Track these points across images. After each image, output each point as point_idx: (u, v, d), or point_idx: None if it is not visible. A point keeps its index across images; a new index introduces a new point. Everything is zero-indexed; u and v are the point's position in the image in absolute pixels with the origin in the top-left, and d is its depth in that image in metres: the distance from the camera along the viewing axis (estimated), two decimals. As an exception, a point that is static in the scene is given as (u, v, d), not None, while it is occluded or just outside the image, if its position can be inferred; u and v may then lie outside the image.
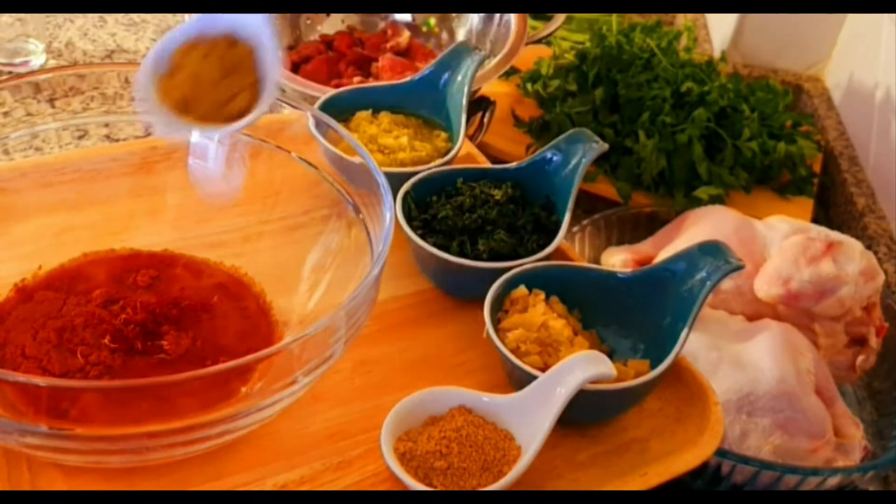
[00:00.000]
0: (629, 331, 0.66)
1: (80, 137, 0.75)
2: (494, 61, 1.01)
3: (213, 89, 0.58)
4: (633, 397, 0.62)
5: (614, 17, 1.15)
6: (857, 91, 1.19)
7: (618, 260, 0.91)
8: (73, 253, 0.67)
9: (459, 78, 0.82)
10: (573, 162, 0.73)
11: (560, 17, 1.13)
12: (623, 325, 0.66)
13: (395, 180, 0.68)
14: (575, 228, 0.92)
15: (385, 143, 0.78)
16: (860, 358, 0.84)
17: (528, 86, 1.13)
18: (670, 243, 0.89)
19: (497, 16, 1.10)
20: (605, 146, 0.73)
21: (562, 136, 0.74)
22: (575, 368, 0.57)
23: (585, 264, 0.71)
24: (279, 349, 0.54)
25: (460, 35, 1.15)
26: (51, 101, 0.68)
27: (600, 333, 0.66)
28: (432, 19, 1.17)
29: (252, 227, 0.71)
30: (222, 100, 0.59)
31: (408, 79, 0.84)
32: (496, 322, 0.64)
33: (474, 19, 1.13)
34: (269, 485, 0.57)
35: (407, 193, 0.72)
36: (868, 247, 0.92)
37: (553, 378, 0.58)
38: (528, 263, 0.67)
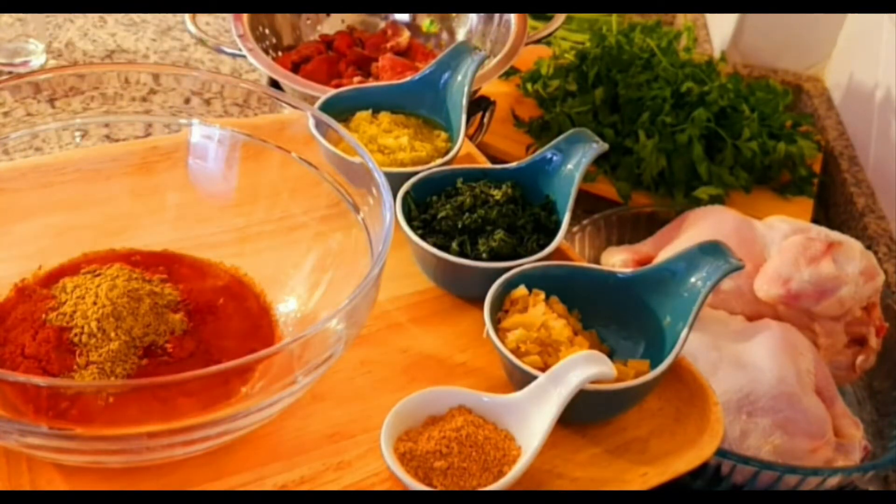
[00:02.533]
0: (629, 331, 0.66)
1: (81, 137, 0.75)
2: (494, 61, 1.01)
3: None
4: (633, 397, 0.62)
5: (614, 17, 1.15)
6: (857, 91, 1.18)
7: (618, 260, 0.91)
8: (73, 253, 0.67)
9: (459, 78, 0.82)
10: (573, 162, 0.73)
11: (560, 17, 1.13)
12: (623, 325, 0.66)
13: (395, 180, 0.68)
14: (575, 228, 0.92)
15: (385, 143, 0.78)
16: (860, 358, 0.84)
17: (528, 86, 1.13)
18: (670, 243, 0.89)
19: (497, 16, 1.10)
20: (605, 146, 0.73)
21: (562, 136, 0.74)
22: (575, 368, 0.57)
23: (585, 264, 0.70)
24: (279, 349, 0.54)
25: (460, 35, 1.15)
26: (51, 101, 0.68)
27: (600, 333, 0.66)
28: (432, 19, 1.17)
29: (252, 227, 0.71)
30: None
31: (408, 79, 0.84)
32: (496, 322, 0.64)
33: (474, 19, 1.13)
34: (269, 485, 0.57)
35: (407, 193, 0.72)
36: (868, 247, 0.92)
37: (553, 378, 0.58)
38: (528, 263, 0.67)
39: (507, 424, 0.58)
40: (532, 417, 0.57)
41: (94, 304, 0.61)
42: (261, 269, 0.68)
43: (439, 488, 0.55)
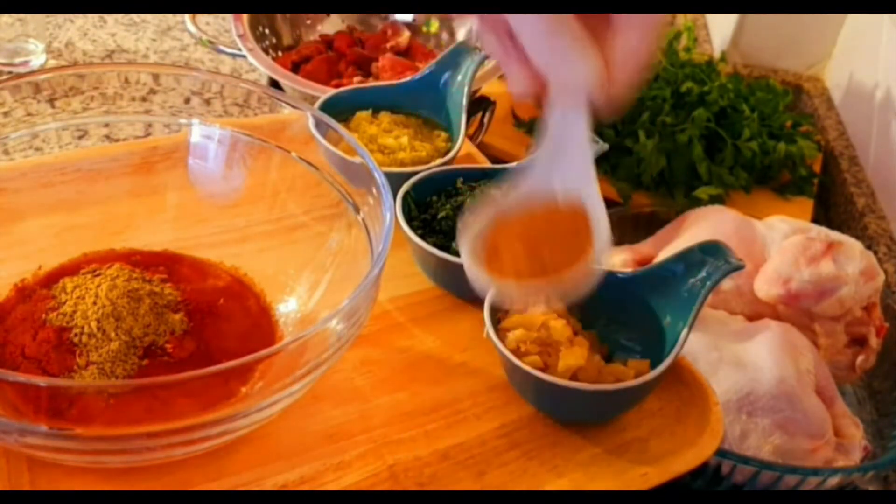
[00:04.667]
0: (629, 331, 0.66)
1: (80, 137, 0.75)
2: (494, 61, 1.01)
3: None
4: (633, 397, 0.62)
5: (614, 17, 1.15)
6: (857, 91, 1.19)
7: (618, 260, 0.91)
8: (73, 253, 0.67)
9: (459, 78, 0.82)
10: (573, 162, 0.73)
11: (560, 17, 1.12)
12: (623, 325, 0.66)
13: (395, 180, 0.68)
14: (575, 228, 0.92)
15: (385, 143, 0.78)
16: (860, 358, 0.84)
17: (528, 86, 1.13)
18: (670, 243, 0.89)
19: (497, 16, 1.10)
20: (605, 146, 0.73)
21: (562, 136, 0.74)
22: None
23: (585, 264, 0.70)
24: (279, 349, 0.54)
25: (460, 35, 1.15)
26: (51, 101, 0.68)
27: (600, 333, 0.66)
28: (432, 19, 1.17)
29: (252, 227, 0.71)
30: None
31: (408, 79, 0.84)
32: (496, 322, 0.63)
33: (475, 19, 1.13)
34: (269, 485, 0.57)
35: (407, 193, 0.72)
36: (868, 247, 0.92)
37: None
38: (528, 263, 0.66)
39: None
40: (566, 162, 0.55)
41: (94, 304, 0.61)
42: (261, 269, 0.69)
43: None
